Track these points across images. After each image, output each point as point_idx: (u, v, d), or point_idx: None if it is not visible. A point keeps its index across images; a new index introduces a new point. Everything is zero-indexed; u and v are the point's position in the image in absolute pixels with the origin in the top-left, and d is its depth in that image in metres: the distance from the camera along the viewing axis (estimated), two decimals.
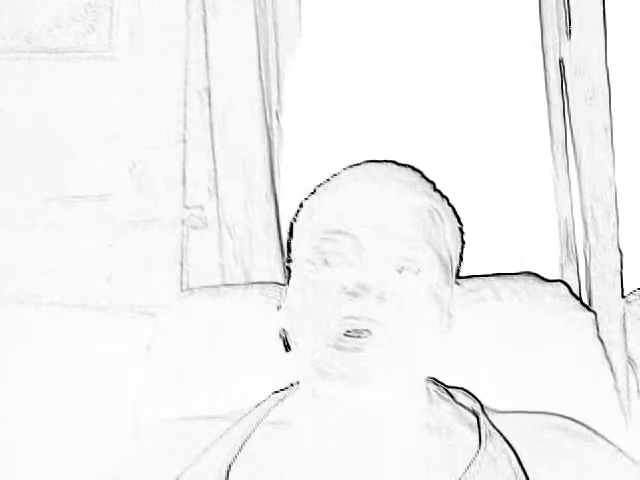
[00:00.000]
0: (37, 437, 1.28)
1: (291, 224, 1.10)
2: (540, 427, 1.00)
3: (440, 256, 1.01)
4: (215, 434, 1.02)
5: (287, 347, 1.03)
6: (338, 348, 0.94)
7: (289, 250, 1.09)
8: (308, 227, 1.04)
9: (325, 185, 1.08)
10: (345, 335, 0.94)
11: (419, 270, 0.98)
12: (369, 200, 1.01)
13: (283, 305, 1.04)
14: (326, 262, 0.98)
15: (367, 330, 0.94)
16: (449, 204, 1.08)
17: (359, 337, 0.94)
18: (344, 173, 1.08)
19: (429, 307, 0.99)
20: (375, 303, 0.95)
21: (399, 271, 0.97)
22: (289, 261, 1.08)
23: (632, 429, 1.18)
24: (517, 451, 0.96)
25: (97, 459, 1.19)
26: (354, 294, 0.95)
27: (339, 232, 0.99)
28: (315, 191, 1.09)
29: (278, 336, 1.04)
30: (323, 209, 1.04)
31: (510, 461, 0.95)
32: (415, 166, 1.10)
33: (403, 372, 0.98)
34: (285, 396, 1.07)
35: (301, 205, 1.10)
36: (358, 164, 1.10)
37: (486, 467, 0.93)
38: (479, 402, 1.04)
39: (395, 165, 1.09)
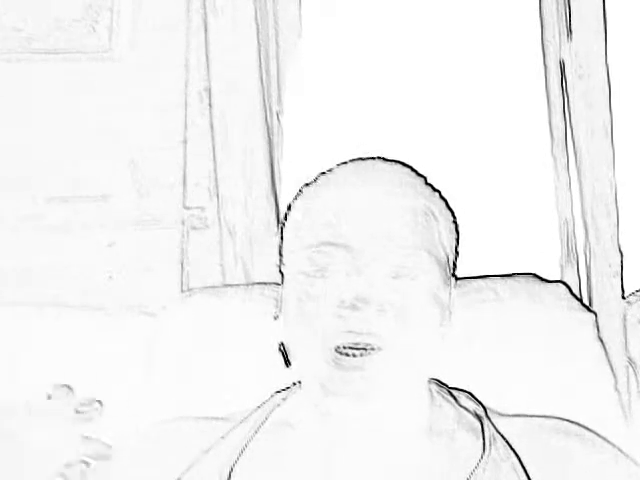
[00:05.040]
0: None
1: (281, 228, 1.08)
2: (544, 431, 0.99)
3: (437, 258, 0.99)
4: (217, 435, 1.01)
5: (287, 362, 1.02)
6: (340, 368, 0.93)
7: (280, 254, 1.07)
8: (299, 235, 1.02)
9: (313, 188, 1.04)
10: (347, 352, 0.93)
11: (416, 276, 0.96)
12: (360, 208, 0.98)
13: (280, 315, 1.02)
14: (322, 274, 0.96)
15: (369, 344, 0.93)
16: (441, 197, 1.05)
17: (361, 354, 0.93)
18: (332, 176, 1.04)
19: (430, 311, 0.97)
20: (375, 316, 0.94)
21: (396, 279, 0.96)
22: (281, 263, 1.07)
23: (633, 430, 1.18)
24: (520, 455, 0.96)
25: None
26: (353, 307, 0.93)
27: (333, 244, 0.96)
28: (303, 193, 1.06)
29: (278, 350, 1.03)
30: (313, 217, 1.00)
31: (514, 468, 0.94)
32: (404, 161, 1.06)
33: (406, 381, 0.98)
34: (287, 396, 1.06)
35: (289, 207, 1.07)
36: (345, 163, 1.06)
37: (489, 473, 0.93)
38: (482, 406, 1.03)
39: (383, 163, 1.05)
